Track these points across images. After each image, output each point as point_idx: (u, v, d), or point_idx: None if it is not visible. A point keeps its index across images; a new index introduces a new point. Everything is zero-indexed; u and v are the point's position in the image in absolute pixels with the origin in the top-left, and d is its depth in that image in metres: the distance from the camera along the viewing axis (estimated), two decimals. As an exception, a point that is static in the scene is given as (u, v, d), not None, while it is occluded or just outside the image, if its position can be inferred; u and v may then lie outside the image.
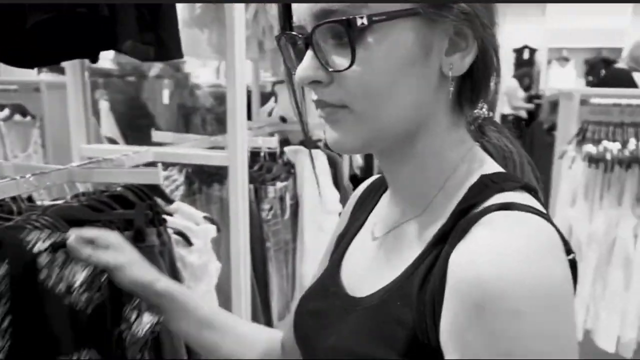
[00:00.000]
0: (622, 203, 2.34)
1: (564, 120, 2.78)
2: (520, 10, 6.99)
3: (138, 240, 1.02)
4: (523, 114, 6.86)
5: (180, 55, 1.20)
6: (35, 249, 0.68)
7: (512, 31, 6.37)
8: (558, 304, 0.43)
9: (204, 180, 1.77)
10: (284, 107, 2.57)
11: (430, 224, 0.56)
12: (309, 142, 1.19)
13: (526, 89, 7.31)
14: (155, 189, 1.19)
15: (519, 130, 5.93)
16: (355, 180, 3.14)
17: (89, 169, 1.14)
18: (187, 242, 1.18)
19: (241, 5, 1.39)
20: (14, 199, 0.97)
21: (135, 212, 1.04)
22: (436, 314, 0.48)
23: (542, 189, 0.60)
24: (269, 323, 1.91)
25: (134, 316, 0.71)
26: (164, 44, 1.15)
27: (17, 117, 2.76)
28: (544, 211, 0.51)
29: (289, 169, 2.05)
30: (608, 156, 2.31)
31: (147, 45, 1.13)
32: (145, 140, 1.90)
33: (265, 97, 2.96)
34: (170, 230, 1.15)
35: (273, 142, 1.98)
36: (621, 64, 3.74)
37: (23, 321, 0.65)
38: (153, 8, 1.11)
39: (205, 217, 1.29)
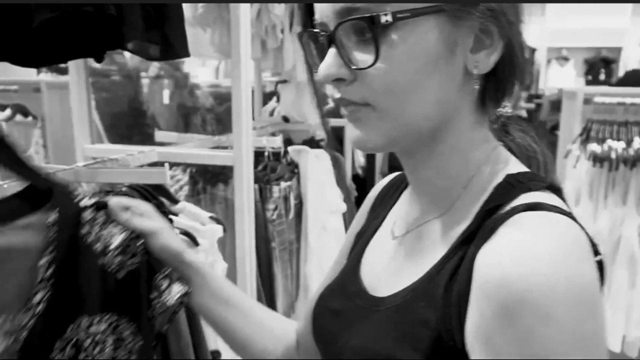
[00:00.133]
0: (626, 202, 2.34)
1: (567, 120, 2.78)
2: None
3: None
4: (523, 114, 6.86)
5: (186, 54, 1.19)
6: (82, 204, 0.69)
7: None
8: (586, 305, 0.42)
9: (208, 180, 1.77)
10: (286, 107, 2.56)
11: (454, 224, 0.55)
12: (330, 142, 1.18)
13: (526, 88, 7.31)
14: (160, 189, 1.18)
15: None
16: (358, 180, 3.14)
17: (94, 169, 1.13)
18: (194, 242, 1.17)
19: (246, 4, 1.38)
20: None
21: None
22: (462, 315, 0.47)
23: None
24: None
25: (165, 285, 0.72)
26: (170, 43, 1.14)
27: (19, 117, 2.76)
28: (571, 211, 0.50)
29: (293, 169, 2.04)
30: (612, 155, 2.30)
31: (153, 44, 1.12)
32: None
33: (266, 97, 2.95)
34: (176, 231, 1.14)
35: (277, 142, 1.97)
36: None
37: (62, 273, 0.65)
38: (159, 7, 1.10)
39: (211, 217, 1.28)
